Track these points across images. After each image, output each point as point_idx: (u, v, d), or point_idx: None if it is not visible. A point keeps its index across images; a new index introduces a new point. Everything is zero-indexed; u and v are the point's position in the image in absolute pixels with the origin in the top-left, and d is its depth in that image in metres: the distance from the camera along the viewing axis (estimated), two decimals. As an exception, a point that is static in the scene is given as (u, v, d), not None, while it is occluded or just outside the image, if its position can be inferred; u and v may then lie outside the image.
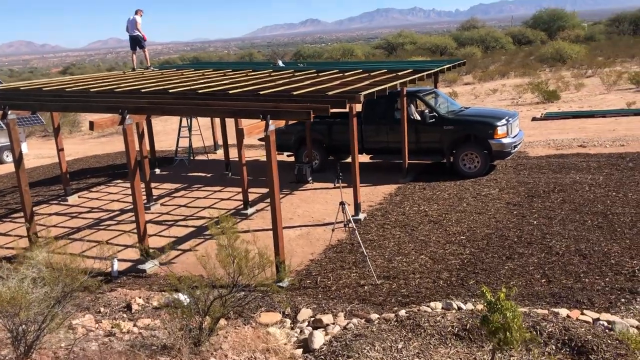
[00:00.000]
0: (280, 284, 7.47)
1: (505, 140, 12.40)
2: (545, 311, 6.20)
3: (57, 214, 12.35)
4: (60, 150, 13.25)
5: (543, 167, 12.78)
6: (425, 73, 12.04)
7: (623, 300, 6.59)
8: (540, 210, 10.03)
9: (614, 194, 10.53)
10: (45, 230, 10.36)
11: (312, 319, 6.64)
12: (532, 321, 5.82)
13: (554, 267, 7.68)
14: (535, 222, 9.45)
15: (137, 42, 15.51)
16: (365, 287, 7.58)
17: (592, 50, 43.54)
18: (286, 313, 6.88)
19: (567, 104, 22.56)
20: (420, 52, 50.01)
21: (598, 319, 6.00)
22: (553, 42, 46.54)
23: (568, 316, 6.07)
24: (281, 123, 8.26)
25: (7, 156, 19.85)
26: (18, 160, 9.88)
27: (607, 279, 7.19)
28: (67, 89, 11.35)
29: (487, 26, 77.06)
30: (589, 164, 12.67)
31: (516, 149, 12.81)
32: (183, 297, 6.08)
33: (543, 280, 7.33)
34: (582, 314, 6.17)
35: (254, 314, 6.82)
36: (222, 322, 6.38)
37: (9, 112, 9.85)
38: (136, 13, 15.47)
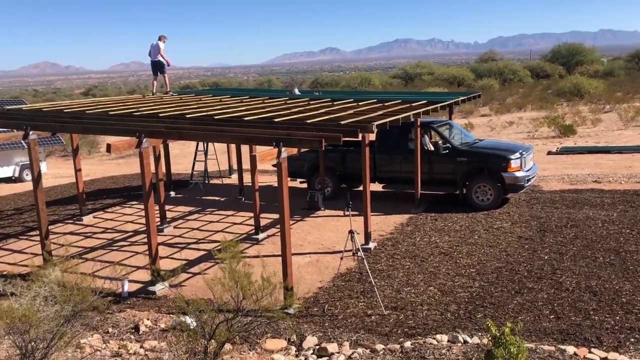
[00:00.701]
0: (287, 311, 7.49)
1: (519, 174, 12.40)
2: (552, 348, 6.15)
3: (71, 233, 12.53)
4: (78, 170, 13.52)
5: (556, 202, 12.72)
6: (439, 105, 12.15)
7: (632, 340, 6.51)
8: (551, 245, 9.97)
9: (627, 231, 10.45)
10: (59, 249, 10.53)
11: (317, 347, 6.64)
12: (538, 357, 5.77)
13: (564, 304, 7.62)
14: (546, 257, 9.40)
15: (158, 68, 15.80)
16: (372, 317, 7.57)
17: (610, 85, 43.46)
18: (292, 340, 6.89)
19: (584, 138, 22.50)
20: (438, 83, 50.34)
21: (606, 358, 5.93)
22: (571, 77, 46.58)
23: (575, 354, 6.02)
24: (294, 150, 8.38)
25: (27, 175, 20.26)
26: (36, 180, 10.11)
27: (617, 318, 7.11)
28: (87, 111, 11.63)
29: (505, 59, 77.46)
30: (603, 200, 12.59)
31: (530, 182, 12.79)
32: (190, 320, 6.13)
33: (552, 316, 7.27)
34: (590, 352, 6.11)
35: (260, 339, 6.85)
36: (228, 346, 6.42)
37: (30, 132, 10.12)
38: (159, 39, 15.77)
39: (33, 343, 5.43)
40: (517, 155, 12.52)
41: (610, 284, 8.16)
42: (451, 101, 13.10)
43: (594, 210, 11.92)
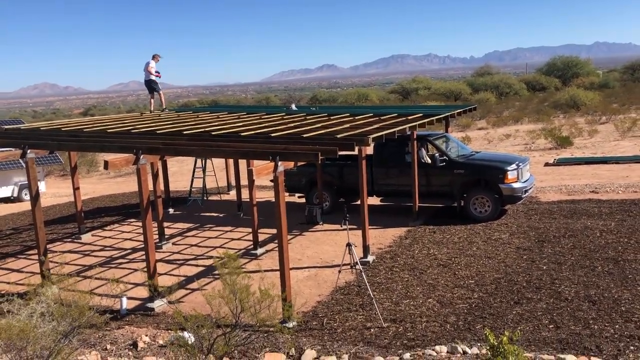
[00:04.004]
0: (286, 324, 7.47)
1: (516, 185, 12.43)
2: (552, 357, 6.13)
3: (70, 251, 12.52)
4: (76, 189, 13.54)
5: (554, 213, 12.74)
6: (434, 117, 12.22)
7: (632, 348, 6.49)
8: (550, 255, 9.97)
9: (625, 240, 10.45)
10: (58, 267, 10.51)
11: (317, 360, 6.62)
12: (537, 367, 5.76)
13: (563, 313, 7.60)
14: (544, 267, 9.39)
15: (152, 86, 15.72)
16: (372, 330, 7.55)
17: (606, 97, 43.65)
18: (290, 354, 6.87)
19: (580, 150, 22.57)
20: (435, 97, 50.50)
21: (605, 366, 5.91)
22: (567, 89, 46.79)
23: (575, 363, 6.00)
24: (290, 164, 8.42)
25: (26, 194, 20.29)
26: (35, 198, 10.13)
27: (617, 326, 7.10)
28: (85, 130, 11.69)
29: (501, 73, 77.80)
30: (600, 210, 12.61)
31: (527, 193, 12.82)
32: (188, 335, 6.12)
33: (551, 326, 7.25)
34: (590, 360, 6.09)
35: (258, 353, 6.82)
36: (226, 361, 6.39)
37: (28, 151, 10.16)
38: (153, 57, 15.59)
39: (30, 360, 5.41)
40: (514, 166, 12.57)
41: (609, 292, 8.15)
42: (447, 114, 13.19)
43: (591, 220, 11.93)
